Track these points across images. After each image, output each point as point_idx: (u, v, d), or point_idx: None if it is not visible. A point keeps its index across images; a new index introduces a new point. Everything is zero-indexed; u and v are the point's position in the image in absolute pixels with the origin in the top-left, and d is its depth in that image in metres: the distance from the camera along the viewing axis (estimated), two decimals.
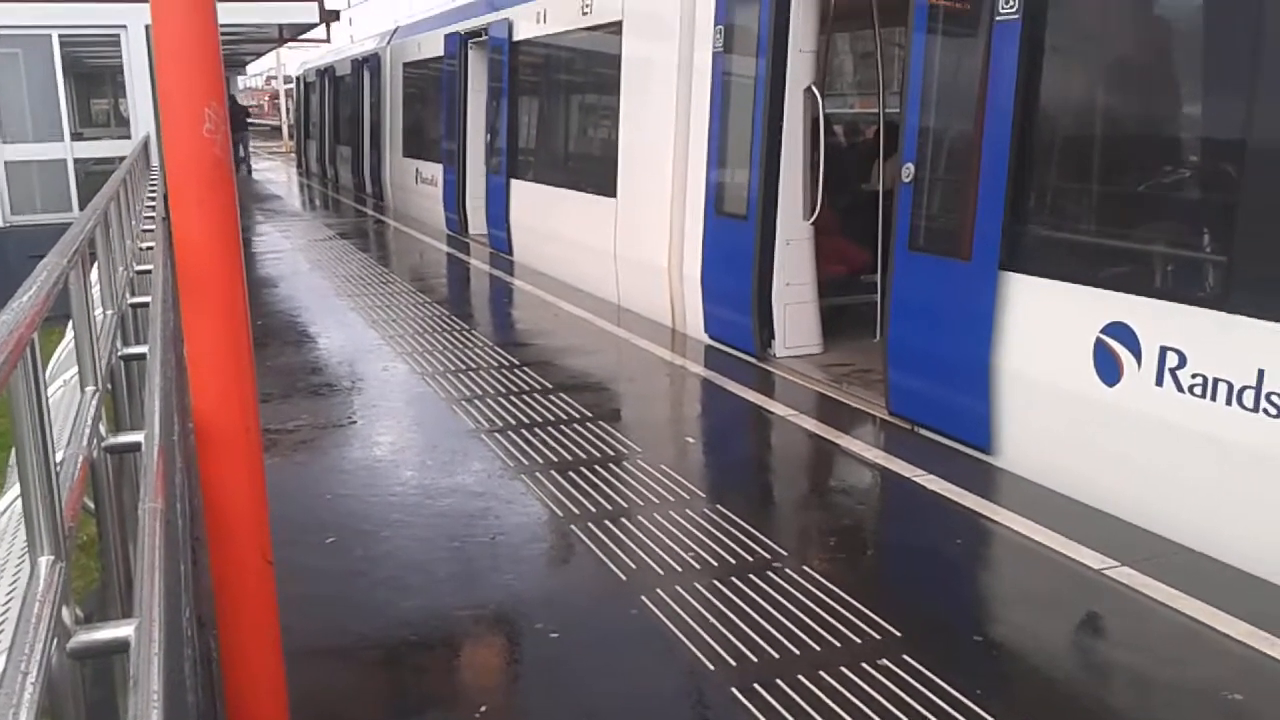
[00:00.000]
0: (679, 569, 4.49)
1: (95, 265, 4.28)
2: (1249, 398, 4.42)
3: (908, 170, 6.25)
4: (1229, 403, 4.50)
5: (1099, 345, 5.09)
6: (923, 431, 6.24)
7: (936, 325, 6.09)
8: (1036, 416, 5.54)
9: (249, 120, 35.66)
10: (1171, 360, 4.76)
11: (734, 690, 3.58)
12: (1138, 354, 4.92)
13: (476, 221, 15.13)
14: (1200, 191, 5.03)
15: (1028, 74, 5.44)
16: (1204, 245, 4.96)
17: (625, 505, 5.20)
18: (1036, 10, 5.37)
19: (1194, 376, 4.65)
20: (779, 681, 3.62)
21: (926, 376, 6.21)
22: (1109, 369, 5.05)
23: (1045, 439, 5.51)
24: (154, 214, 7.89)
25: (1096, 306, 5.12)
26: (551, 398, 7.06)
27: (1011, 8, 5.45)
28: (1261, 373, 4.38)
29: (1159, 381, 4.80)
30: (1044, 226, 5.66)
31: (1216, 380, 4.56)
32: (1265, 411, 4.36)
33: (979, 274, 5.72)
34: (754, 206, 7.90)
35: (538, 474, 5.63)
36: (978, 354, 5.74)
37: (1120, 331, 5.00)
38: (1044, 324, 5.46)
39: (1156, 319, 4.84)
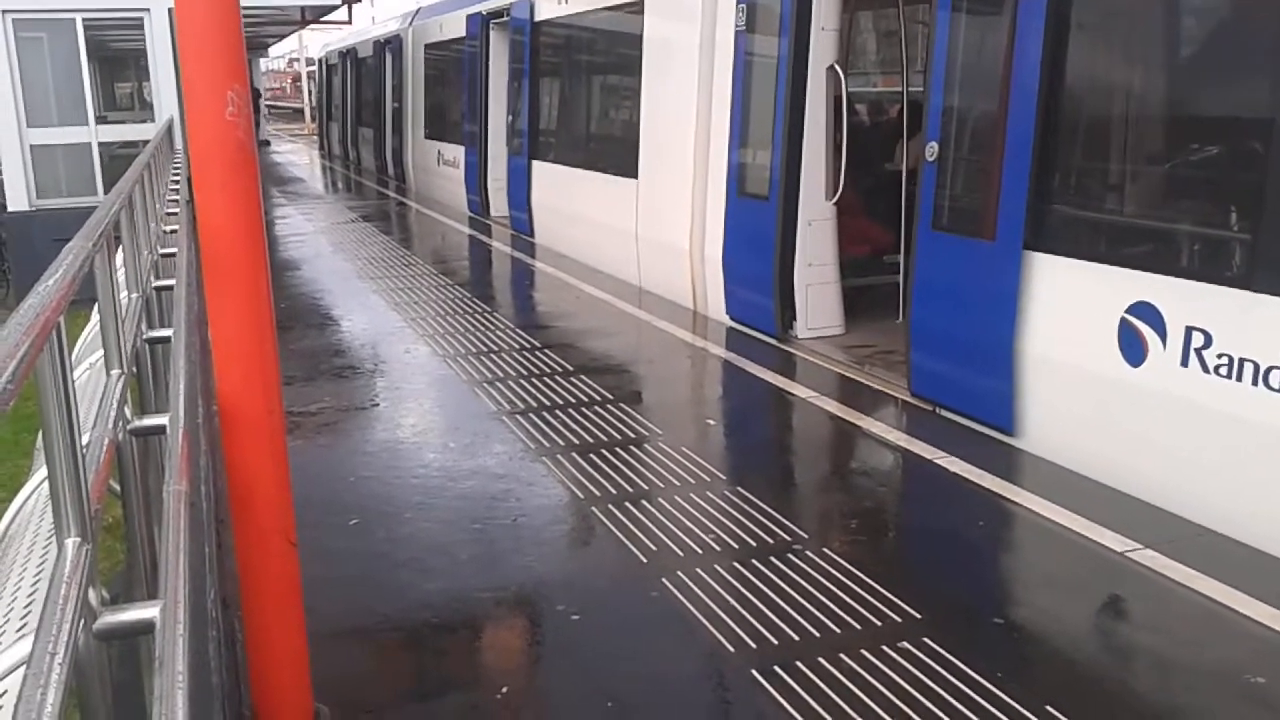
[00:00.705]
0: (699, 551, 4.50)
1: (120, 248, 4.31)
2: (1276, 378, 4.38)
3: (931, 149, 6.22)
4: (1255, 383, 4.47)
5: (1124, 325, 5.06)
6: (944, 414, 6.23)
7: (960, 305, 6.06)
8: (1060, 397, 5.52)
9: (266, 103, 35.69)
10: (1197, 340, 4.73)
11: (754, 672, 3.59)
12: (1163, 334, 4.88)
13: (498, 203, 15.13)
14: (1225, 170, 4.99)
15: (1052, 51, 5.39)
16: (1230, 224, 4.91)
17: (646, 487, 5.21)
18: None
19: (1220, 357, 4.62)
20: (799, 664, 3.63)
21: (949, 357, 6.19)
22: (1134, 349, 5.02)
23: (1069, 420, 5.48)
24: (178, 197, 7.94)
25: (1121, 286, 5.08)
26: (573, 380, 7.07)
27: None
28: None
29: (1184, 362, 4.77)
30: (1068, 205, 5.63)
31: (1242, 360, 4.52)
32: None
33: (1003, 254, 5.69)
34: (776, 187, 7.86)
35: (559, 456, 5.65)
36: (1001, 334, 5.72)
37: (1145, 311, 4.97)
38: (1068, 304, 5.43)
39: (1182, 299, 4.81)
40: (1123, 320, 5.06)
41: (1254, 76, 4.71)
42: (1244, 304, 4.52)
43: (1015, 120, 5.58)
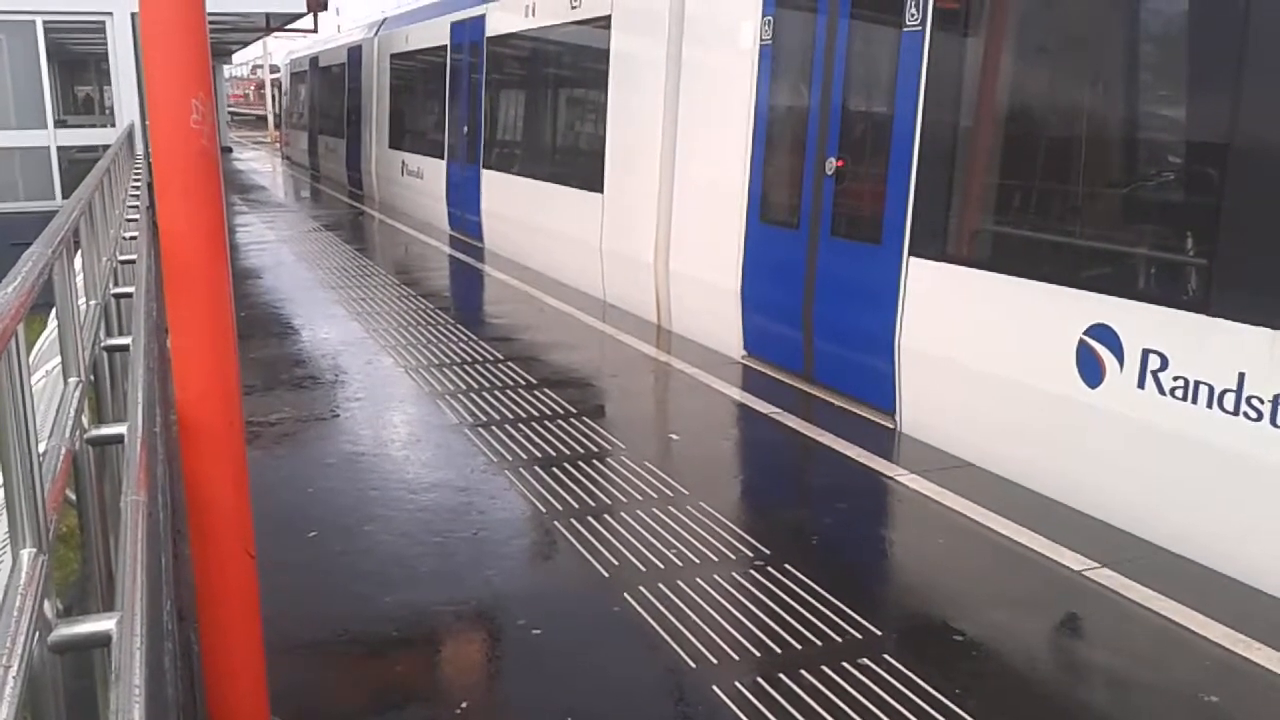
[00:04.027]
0: (661, 566, 4.50)
1: (79, 253, 4.25)
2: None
3: (830, 164, 6.85)
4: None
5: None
6: (835, 399, 6.88)
7: (853, 301, 6.74)
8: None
9: (230, 109, 35.47)
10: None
11: (715, 688, 3.59)
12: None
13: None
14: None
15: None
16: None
17: (609, 502, 5.20)
18: (939, 20, 5.95)
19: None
20: (760, 680, 3.63)
21: (843, 345, 6.87)
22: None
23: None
24: (138, 203, 7.85)
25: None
26: (536, 393, 7.06)
27: (916, 19, 6.05)
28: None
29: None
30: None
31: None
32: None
33: (887, 257, 6.35)
34: (807, 216, 7.29)
35: (521, 469, 5.63)
36: (885, 326, 6.34)
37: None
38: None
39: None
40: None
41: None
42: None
43: (898, 140, 6.20)
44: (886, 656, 3.77)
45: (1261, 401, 4.31)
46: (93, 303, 3.96)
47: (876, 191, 6.50)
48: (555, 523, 4.96)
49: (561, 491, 5.32)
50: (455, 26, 15.00)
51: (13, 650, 1.39)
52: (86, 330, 3.37)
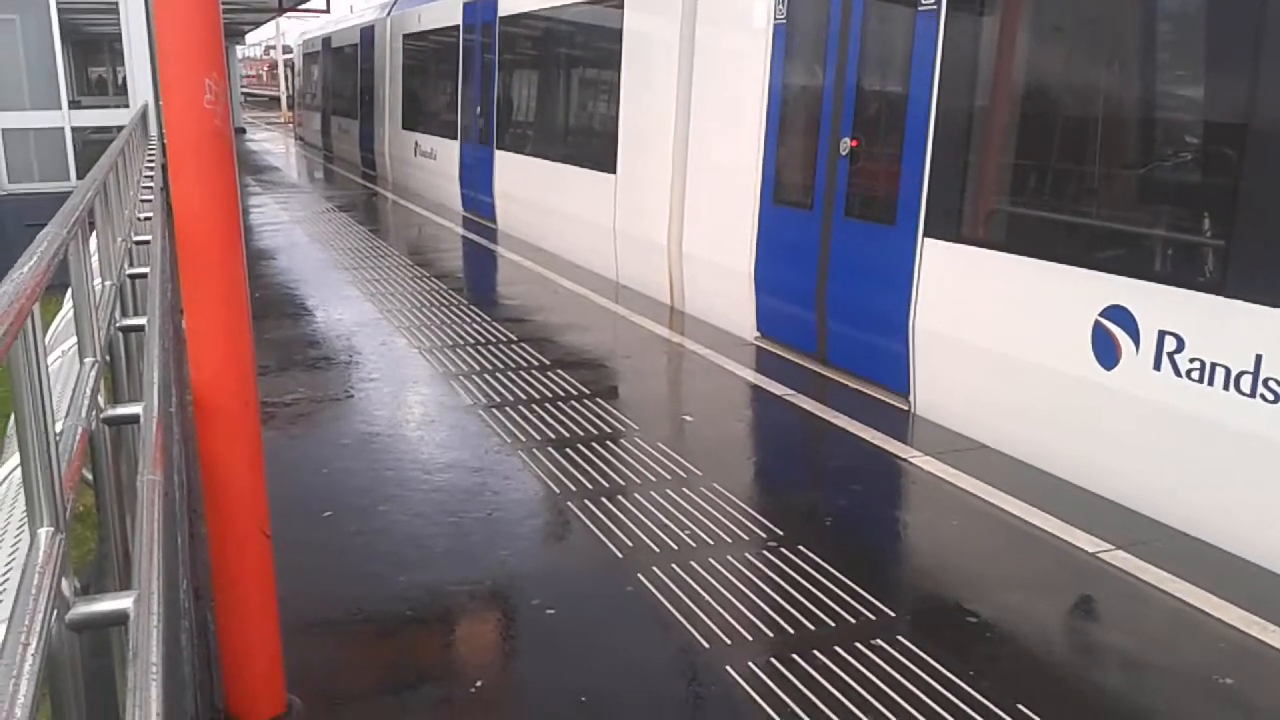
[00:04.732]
0: (675, 547, 4.50)
1: (94, 234, 4.27)
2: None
3: (844, 144, 6.84)
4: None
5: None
6: (849, 381, 6.89)
7: (867, 282, 6.77)
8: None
9: (243, 90, 35.49)
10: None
11: (728, 668, 3.60)
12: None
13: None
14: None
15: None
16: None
17: (622, 482, 5.21)
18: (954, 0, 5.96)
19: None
20: (774, 660, 3.63)
21: (857, 327, 6.86)
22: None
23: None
24: (152, 184, 7.87)
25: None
26: (550, 374, 7.06)
27: None
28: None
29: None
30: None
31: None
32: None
33: (902, 238, 6.37)
34: (821, 196, 7.24)
35: (535, 450, 5.64)
36: (899, 308, 6.39)
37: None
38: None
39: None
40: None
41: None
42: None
43: (913, 120, 6.22)
44: (900, 638, 3.77)
45: (1279, 383, 4.29)
46: (108, 283, 3.97)
47: (891, 172, 6.48)
48: (569, 503, 4.97)
49: (575, 472, 5.33)
50: (468, 7, 14.98)
51: (31, 628, 1.40)
52: (102, 311, 3.38)
